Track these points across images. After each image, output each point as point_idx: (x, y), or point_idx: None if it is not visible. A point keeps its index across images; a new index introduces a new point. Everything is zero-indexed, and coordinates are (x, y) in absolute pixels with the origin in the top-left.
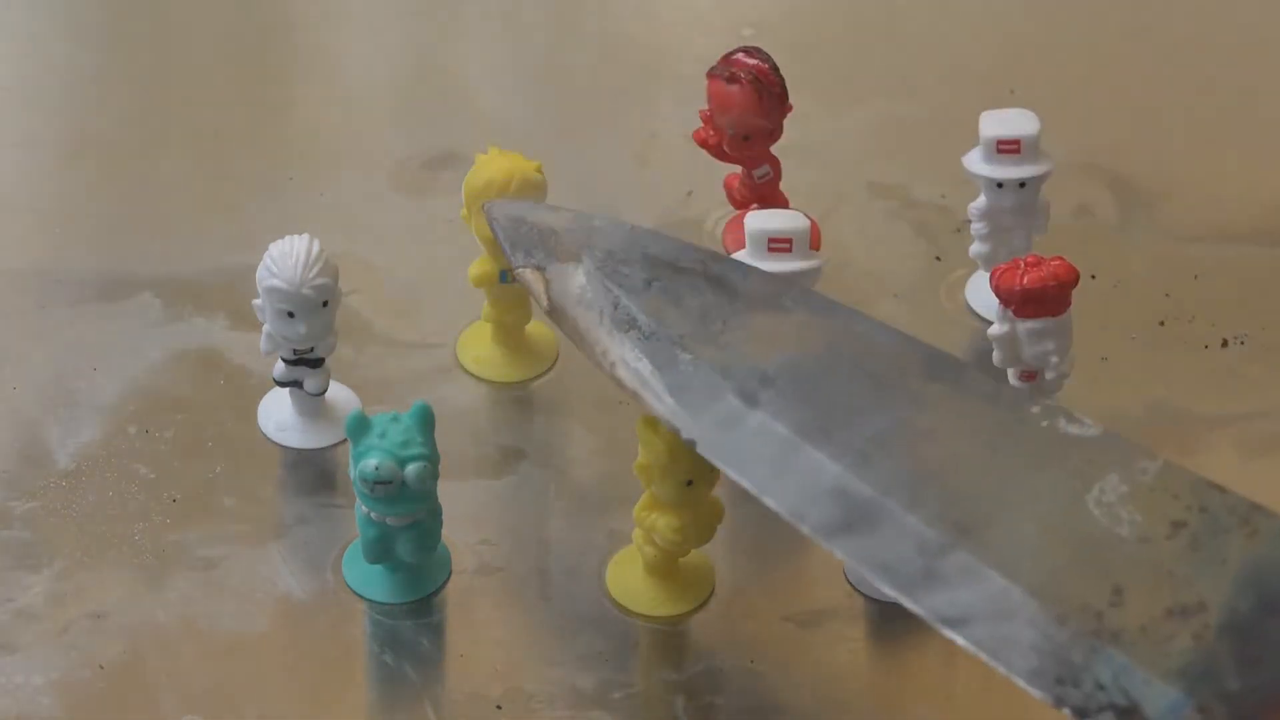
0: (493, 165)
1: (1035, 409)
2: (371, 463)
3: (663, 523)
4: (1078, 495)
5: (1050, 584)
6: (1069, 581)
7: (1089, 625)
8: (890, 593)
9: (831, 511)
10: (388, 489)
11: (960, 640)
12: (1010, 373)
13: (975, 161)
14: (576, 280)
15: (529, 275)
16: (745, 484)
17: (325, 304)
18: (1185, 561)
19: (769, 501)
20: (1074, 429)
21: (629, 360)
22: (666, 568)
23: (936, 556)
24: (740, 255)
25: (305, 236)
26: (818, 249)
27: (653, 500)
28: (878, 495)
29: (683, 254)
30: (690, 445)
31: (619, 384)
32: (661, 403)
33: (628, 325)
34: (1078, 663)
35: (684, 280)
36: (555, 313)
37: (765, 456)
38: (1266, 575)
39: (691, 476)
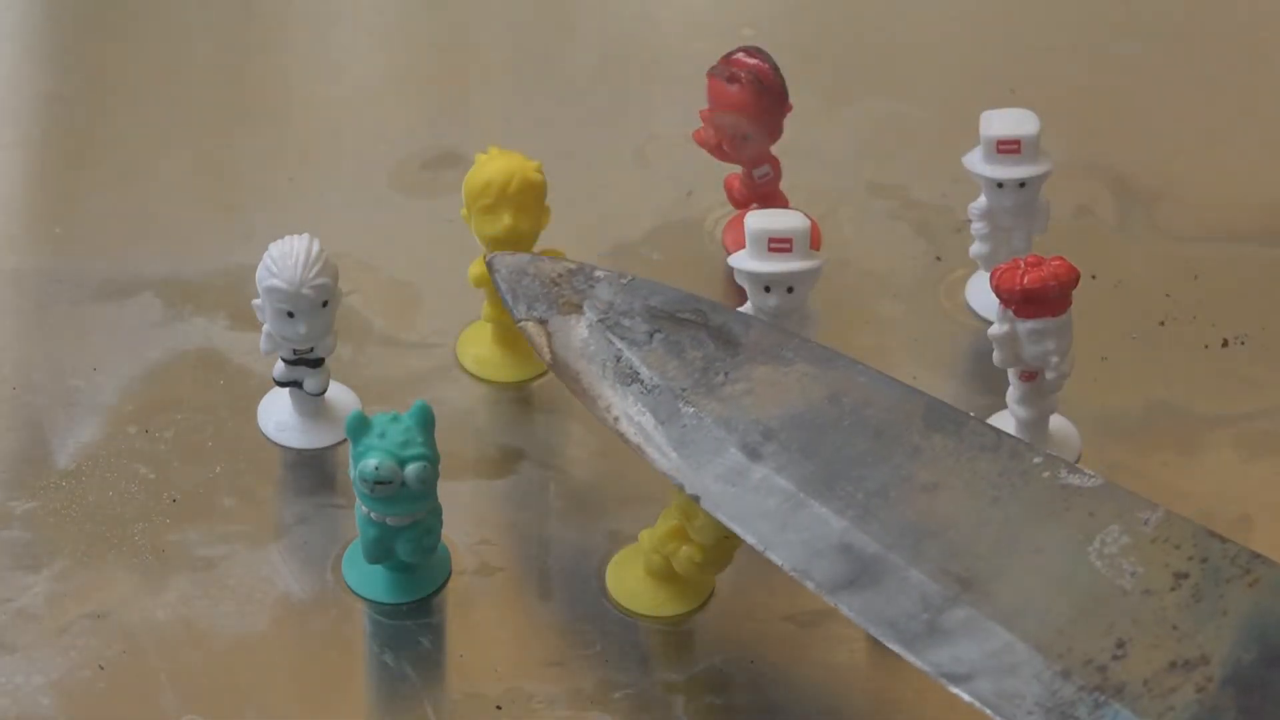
0: (493, 165)
1: (1036, 459)
2: (371, 463)
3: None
4: (1080, 547)
5: (1053, 638)
6: (1072, 635)
7: (1092, 679)
8: (894, 648)
9: (835, 568)
10: (388, 489)
11: (964, 696)
12: (1010, 373)
13: (975, 161)
14: (578, 333)
15: (531, 328)
16: (749, 539)
17: (325, 304)
18: (1187, 613)
19: (773, 557)
20: (1074, 480)
21: (632, 414)
22: (668, 571)
23: (939, 611)
24: (740, 255)
25: (305, 236)
26: (818, 249)
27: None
28: (881, 550)
29: (684, 305)
30: (694, 500)
31: (622, 438)
32: (665, 457)
33: (630, 378)
34: (1082, 718)
35: (686, 332)
36: (557, 366)
37: (769, 512)
38: (1268, 626)
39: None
